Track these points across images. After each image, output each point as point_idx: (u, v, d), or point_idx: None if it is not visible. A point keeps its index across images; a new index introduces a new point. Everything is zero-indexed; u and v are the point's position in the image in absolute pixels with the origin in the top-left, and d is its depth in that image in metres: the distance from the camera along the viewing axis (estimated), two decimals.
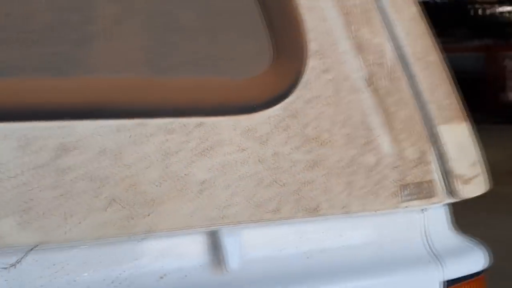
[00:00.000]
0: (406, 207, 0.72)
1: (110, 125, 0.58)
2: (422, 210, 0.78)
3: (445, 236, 0.80)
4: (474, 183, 0.77)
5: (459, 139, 0.78)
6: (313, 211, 0.67)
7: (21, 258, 0.56)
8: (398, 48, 0.75)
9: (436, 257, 0.76)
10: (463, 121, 0.79)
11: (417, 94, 0.76)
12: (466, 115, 0.80)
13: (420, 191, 0.73)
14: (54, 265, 0.59)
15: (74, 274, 0.59)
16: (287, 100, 0.67)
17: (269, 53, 0.68)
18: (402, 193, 0.72)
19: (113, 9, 0.64)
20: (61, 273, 0.59)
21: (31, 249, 0.55)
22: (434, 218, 0.80)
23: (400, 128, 0.73)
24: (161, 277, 0.63)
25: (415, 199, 0.73)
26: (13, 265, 0.56)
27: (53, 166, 0.55)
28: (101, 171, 0.57)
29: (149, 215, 0.59)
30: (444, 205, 0.81)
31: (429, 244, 0.78)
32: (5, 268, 0.56)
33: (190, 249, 0.66)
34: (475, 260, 0.78)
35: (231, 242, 0.65)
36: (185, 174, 0.61)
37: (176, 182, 0.61)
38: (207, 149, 0.63)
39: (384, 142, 0.72)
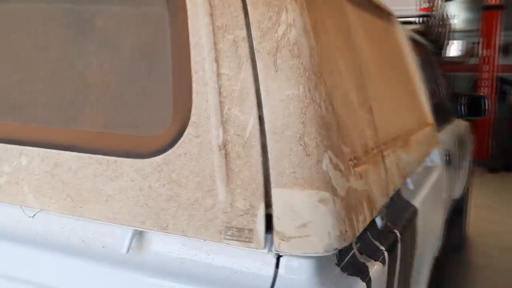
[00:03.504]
0: (228, 244, 0.94)
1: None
2: (278, 261, 0.95)
3: None
4: (297, 243, 0.89)
5: (292, 202, 0.91)
6: (164, 229, 1.00)
7: None
8: (260, 124, 0.97)
9: None
10: (304, 189, 0.91)
11: (264, 161, 0.95)
12: (322, 186, 0.91)
13: (241, 235, 0.93)
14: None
15: None
16: (165, 153, 1.02)
17: (167, 121, 1.05)
18: (226, 232, 0.94)
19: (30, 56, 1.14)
20: None
21: None
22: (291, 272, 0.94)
23: (238, 184, 0.95)
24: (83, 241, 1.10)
25: (236, 240, 0.93)
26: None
27: None
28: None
29: (81, 207, 1.08)
30: (316, 263, 0.93)
31: None
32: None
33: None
34: None
35: (124, 235, 1.06)
36: (101, 189, 1.07)
37: (99, 192, 1.08)
38: (116, 176, 1.06)
39: (222, 192, 0.96)
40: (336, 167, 0.97)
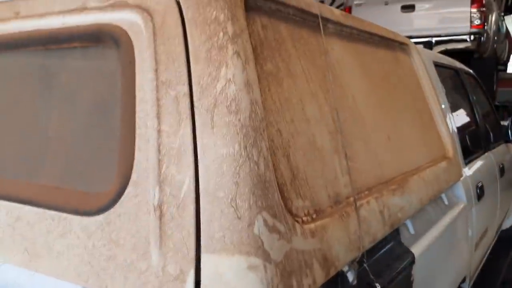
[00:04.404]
0: None
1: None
2: None
3: None
4: None
5: (220, 269, 0.87)
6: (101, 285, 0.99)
7: None
8: (196, 183, 0.94)
9: None
10: (233, 255, 0.87)
11: (197, 223, 0.91)
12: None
13: None
14: None
15: None
16: (107, 212, 1.02)
17: (112, 177, 1.04)
18: None
19: None
20: None
21: None
22: None
23: (170, 247, 0.92)
24: None
25: None
26: None
27: None
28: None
29: (36, 262, 1.09)
30: None
31: None
32: None
33: None
34: None
35: None
36: (52, 245, 1.08)
37: (51, 247, 1.08)
38: (65, 233, 1.07)
39: (155, 255, 0.93)
40: (272, 229, 0.91)
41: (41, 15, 1.29)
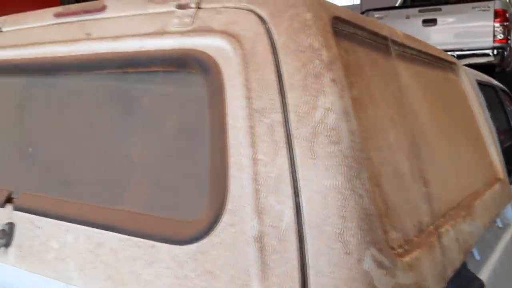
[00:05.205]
0: None
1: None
2: None
3: None
4: None
5: None
6: None
7: None
8: (297, 215, 0.92)
9: None
10: None
11: (301, 258, 0.89)
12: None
13: None
14: None
15: None
16: (201, 241, 1.00)
17: (204, 205, 1.03)
18: None
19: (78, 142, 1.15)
20: None
21: None
22: None
23: (274, 282, 0.90)
24: None
25: None
26: None
27: None
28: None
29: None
30: None
31: None
32: None
33: None
34: None
35: None
36: (139, 274, 1.06)
37: (138, 276, 1.06)
38: (153, 261, 1.05)
39: None
40: (380, 264, 0.89)
41: (115, 38, 1.29)
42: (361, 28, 1.30)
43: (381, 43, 1.43)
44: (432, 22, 6.96)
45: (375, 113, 1.18)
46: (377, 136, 1.14)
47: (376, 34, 1.39)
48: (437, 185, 1.39)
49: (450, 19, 6.94)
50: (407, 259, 1.01)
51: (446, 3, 7.10)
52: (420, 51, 1.79)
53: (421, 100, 1.59)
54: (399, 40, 1.57)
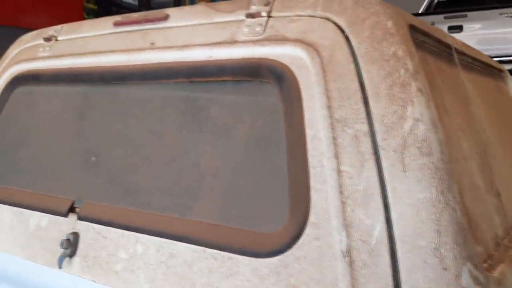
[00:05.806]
0: None
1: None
2: None
3: None
4: None
5: None
6: None
7: None
8: (388, 229, 0.89)
9: None
10: None
11: (394, 272, 0.87)
12: None
13: None
14: None
15: None
16: (283, 255, 0.98)
17: (283, 217, 1.01)
18: None
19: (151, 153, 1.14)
20: None
21: None
22: None
23: None
24: None
25: None
26: None
27: None
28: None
29: None
30: None
31: None
32: None
33: None
34: None
35: None
36: (216, 286, 1.04)
37: (216, 287, 1.05)
38: (231, 274, 1.03)
39: None
40: (476, 280, 0.86)
41: (182, 47, 1.28)
42: (430, 36, 1.28)
43: (445, 51, 1.40)
44: (458, 28, 6.89)
45: (450, 123, 1.15)
46: (454, 147, 1.11)
47: (441, 42, 1.36)
48: (506, 196, 1.35)
49: (477, 26, 6.87)
50: (495, 274, 0.97)
51: (472, 9, 7.03)
52: (474, 59, 1.76)
53: (481, 109, 1.56)
54: (459, 47, 1.54)
